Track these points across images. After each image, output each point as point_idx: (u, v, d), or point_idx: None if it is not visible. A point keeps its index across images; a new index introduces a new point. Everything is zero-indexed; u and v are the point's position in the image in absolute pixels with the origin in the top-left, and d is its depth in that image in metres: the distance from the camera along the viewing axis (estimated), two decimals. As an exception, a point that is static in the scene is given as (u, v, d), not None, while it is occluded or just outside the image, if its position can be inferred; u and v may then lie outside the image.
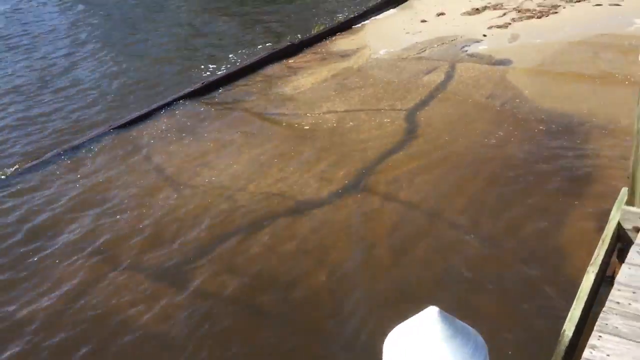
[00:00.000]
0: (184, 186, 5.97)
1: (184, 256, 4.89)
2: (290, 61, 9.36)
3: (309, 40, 10.16)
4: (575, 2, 10.49)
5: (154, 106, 7.85)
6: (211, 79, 8.66)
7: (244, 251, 4.87)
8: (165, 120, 7.57)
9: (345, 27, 10.80)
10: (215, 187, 5.89)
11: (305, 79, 8.58)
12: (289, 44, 9.88)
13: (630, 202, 3.79)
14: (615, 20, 9.28)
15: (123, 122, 7.45)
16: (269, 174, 6.03)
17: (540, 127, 6.36)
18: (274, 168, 6.13)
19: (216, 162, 6.39)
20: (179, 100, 8.01)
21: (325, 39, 10.28)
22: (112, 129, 7.28)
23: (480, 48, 8.96)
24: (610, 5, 10.08)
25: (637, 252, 3.38)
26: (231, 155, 6.52)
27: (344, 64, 8.98)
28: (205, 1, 14.55)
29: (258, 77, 8.82)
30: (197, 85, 8.38)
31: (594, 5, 10.18)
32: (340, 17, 11.38)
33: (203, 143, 6.86)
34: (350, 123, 7.00)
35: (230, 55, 9.84)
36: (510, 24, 9.81)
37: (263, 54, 9.58)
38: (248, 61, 9.26)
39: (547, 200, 5.03)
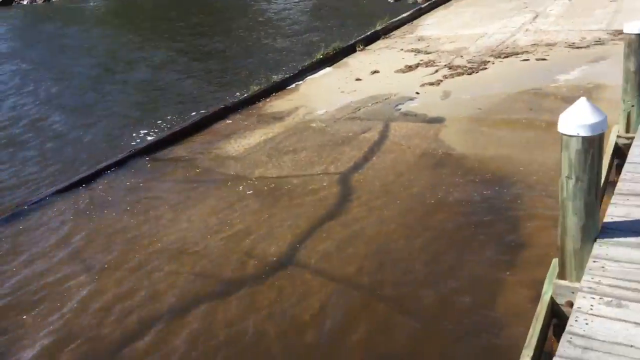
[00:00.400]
0: (103, 268, 5.52)
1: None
2: (222, 125, 9.12)
3: (243, 102, 9.99)
4: (503, 58, 10.75)
5: (73, 180, 7.45)
6: (137, 147, 8.34)
7: (159, 349, 4.43)
8: (87, 193, 7.15)
9: (281, 86, 10.71)
10: (134, 267, 5.47)
11: (238, 143, 8.34)
12: (222, 106, 9.67)
13: (561, 275, 3.61)
14: (542, 75, 9.50)
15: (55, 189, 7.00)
16: (195, 253, 5.66)
17: (475, 187, 6.26)
18: (200, 245, 5.76)
19: (134, 238, 5.98)
20: (108, 169, 7.65)
21: (261, 99, 10.14)
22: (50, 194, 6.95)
23: (414, 106, 8.97)
24: (537, 60, 10.36)
25: (572, 329, 3.17)
26: (150, 233, 6.12)
27: (278, 127, 8.81)
28: (157, 58, 14.35)
29: (185, 144, 8.52)
30: (123, 155, 8.02)
31: (521, 61, 10.44)
32: (277, 77, 11.31)
33: (127, 214, 6.45)
34: (283, 189, 6.75)
35: (160, 121, 9.56)
36: (442, 80, 9.92)
37: (195, 117, 9.34)
38: (178, 127, 8.99)
39: (482, 270, 4.84)
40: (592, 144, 3.29)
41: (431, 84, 9.83)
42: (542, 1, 15.03)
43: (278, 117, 9.24)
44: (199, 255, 5.57)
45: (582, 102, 3.33)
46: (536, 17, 13.48)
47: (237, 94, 10.50)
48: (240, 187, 6.92)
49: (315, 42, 14.31)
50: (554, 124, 7.90)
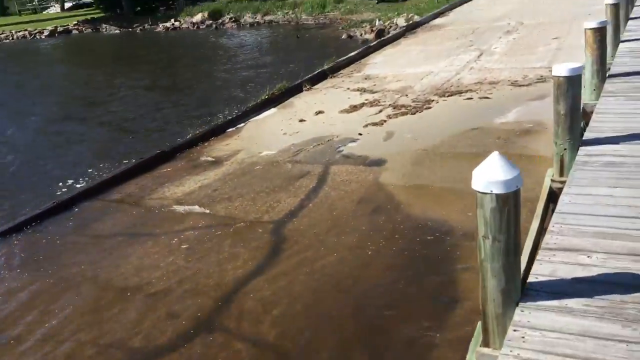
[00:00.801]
0: None
1: None
2: (157, 172, 8.71)
3: (182, 146, 9.62)
4: (447, 96, 10.70)
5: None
6: (59, 200, 7.87)
7: None
8: (26, 237, 6.63)
9: (223, 129, 10.40)
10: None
11: (171, 192, 7.94)
12: (158, 151, 9.28)
13: (485, 342, 3.32)
14: (485, 114, 9.44)
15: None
16: (108, 319, 5.19)
17: (413, 236, 5.99)
18: (113, 309, 5.30)
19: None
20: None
21: (200, 143, 9.79)
22: None
23: (356, 148, 8.75)
24: (480, 98, 10.34)
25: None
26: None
27: (216, 172, 8.45)
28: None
29: (115, 194, 8.08)
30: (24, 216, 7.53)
31: (465, 99, 10.40)
32: (220, 119, 11.02)
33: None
34: (211, 242, 6.36)
35: (91, 169, 9.12)
36: (385, 121, 9.77)
37: (127, 165, 8.92)
38: (105, 176, 8.56)
39: (412, 331, 4.52)
40: (507, 201, 3.05)
41: (375, 124, 9.66)
42: (488, 39, 15.24)
43: (216, 162, 8.89)
44: (112, 322, 5.11)
45: (495, 157, 3.10)
46: (481, 55, 13.60)
47: (179, 139, 10.11)
48: (168, 240, 6.51)
49: (267, 80, 14.14)
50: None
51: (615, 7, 9.66)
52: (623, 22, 11.53)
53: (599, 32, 7.46)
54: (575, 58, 11.28)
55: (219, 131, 10.22)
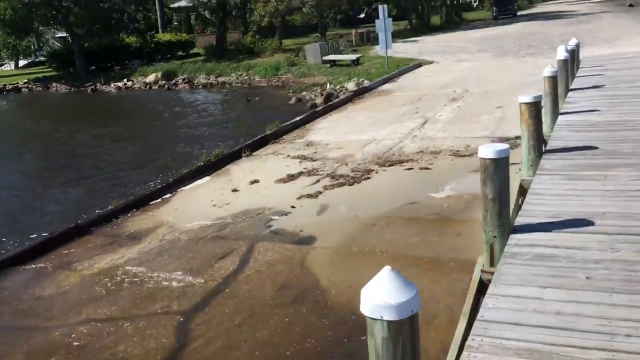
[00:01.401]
0: None
1: None
2: (65, 249, 7.91)
3: (100, 219, 8.86)
4: (388, 166, 10.32)
5: None
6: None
7: None
8: None
9: (149, 199, 9.70)
10: None
11: (77, 274, 7.14)
12: (73, 225, 8.50)
13: None
14: (424, 186, 9.05)
15: None
16: None
17: (335, 331, 5.35)
18: None
19: None
20: None
21: (121, 215, 9.05)
22: None
23: (287, 223, 8.17)
24: (420, 169, 9.99)
25: None
26: None
27: (131, 250, 7.71)
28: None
29: (15, 275, 7.23)
30: None
31: (405, 170, 10.04)
32: (147, 188, 10.34)
33: None
34: (109, 339, 5.57)
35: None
36: (321, 192, 9.26)
37: (38, 239, 8.10)
38: (12, 251, 7.70)
39: None
40: (401, 329, 2.48)
41: (310, 196, 9.13)
42: (433, 106, 15.17)
43: (135, 238, 8.15)
44: None
45: (386, 273, 2.54)
46: (425, 122, 13.43)
47: (97, 210, 9.37)
48: (60, 333, 5.69)
49: (208, 143, 13.64)
50: (429, 244, 7.33)
51: (553, 79, 9.59)
52: (564, 93, 11.57)
53: (534, 107, 7.23)
54: (517, 128, 11.15)
55: (143, 202, 9.51)
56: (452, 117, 13.69)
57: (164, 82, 32.04)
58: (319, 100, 19.64)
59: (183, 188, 10.27)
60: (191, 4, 54.80)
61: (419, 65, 24.31)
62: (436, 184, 9.10)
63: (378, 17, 25.02)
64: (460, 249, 6.64)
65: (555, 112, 9.56)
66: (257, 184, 10.13)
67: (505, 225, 4.95)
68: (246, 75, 30.74)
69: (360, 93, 18.41)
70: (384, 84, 20.34)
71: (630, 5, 46.84)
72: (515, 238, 4.90)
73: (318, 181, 9.88)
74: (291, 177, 10.24)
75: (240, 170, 11.18)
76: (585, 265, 4.27)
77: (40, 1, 36.70)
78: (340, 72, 26.04)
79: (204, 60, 38.28)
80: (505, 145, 4.90)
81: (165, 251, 7.57)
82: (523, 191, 6.93)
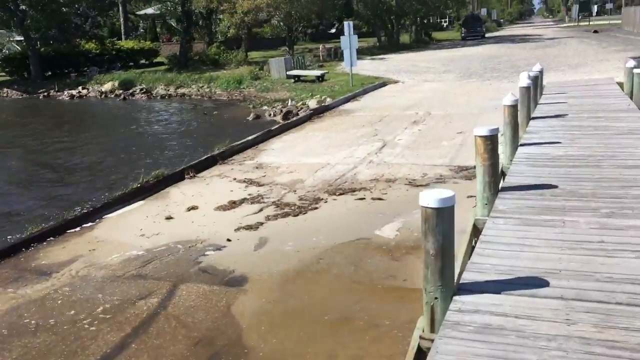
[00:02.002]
0: None
1: None
2: (-41, 286, 6.93)
3: (10, 248, 7.89)
4: (338, 195, 9.60)
5: None
6: None
7: None
8: None
9: (69, 226, 8.76)
10: None
11: (-34, 316, 6.17)
12: (-26, 256, 7.52)
13: None
14: (374, 219, 8.36)
15: None
16: None
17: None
18: None
19: None
20: None
21: (33, 245, 8.09)
22: None
23: (218, 259, 7.35)
24: (372, 199, 9.30)
25: None
26: None
27: (37, 288, 6.77)
28: None
29: None
30: None
31: (356, 199, 9.33)
32: (76, 210, 9.39)
33: None
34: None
35: None
36: (263, 223, 8.47)
37: None
38: None
39: None
40: None
41: (249, 227, 8.33)
42: (393, 129, 14.58)
43: (44, 273, 7.21)
44: None
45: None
46: (384, 146, 12.80)
47: (9, 237, 8.39)
48: None
49: (153, 160, 12.75)
50: (374, 291, 6.60)
51: (514, 108, 9.05)
52: (525, 121, 11.08)
53: (490, 141, 6.62)
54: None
55: (63, 229, 8.56)
56: (411, 141, 13.10)
57: (121, 91, 30.94)
58: (277, 117, 18.92)
59: (110, 214, 9.34)
60: (158, 12, 53.82)
61: (384, 84, 23.83)
62: (388, 217, 8.41)
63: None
64: (405, 302, 5.92)
65: (515, 143, 9.02)
66: (194, 211, 9.29)
67: (449, 285, 4.24)
68: (207, 87, 29.88)
69: (320, 112, 17.74)
70: (346, 102, 19.73)
71: (595, 32, 47.64)
72: (459, 301, 4.19)
73: (261, 210, 9.09)
74: (233, 204, 9.43)
75: (180, 194, 10.32)
76: (536, 343, 3.59)
77: (-6, 3, 35.30)
78: (304, 88, 25.40)
79: (167, 69, 37.33)
80: (450, 193, 4.21)
81: (74, 291, 6.65)
82: (477, 232, 6.30)
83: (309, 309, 5.95)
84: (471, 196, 8.16)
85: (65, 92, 32.24)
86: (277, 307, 6.06)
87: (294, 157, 12.37)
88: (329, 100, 21.04)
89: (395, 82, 24.51)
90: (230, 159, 12.66)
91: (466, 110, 16.16)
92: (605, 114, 11.28)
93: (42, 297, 6.53)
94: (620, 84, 16.32)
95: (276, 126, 15.33)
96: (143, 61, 46.25)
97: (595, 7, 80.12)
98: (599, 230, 5.32)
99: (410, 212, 8.55)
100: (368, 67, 31.61)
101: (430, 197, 4.14)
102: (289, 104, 22.49)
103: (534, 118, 11.46)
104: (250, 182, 10.71)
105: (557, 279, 4.41)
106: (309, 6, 38.75)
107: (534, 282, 4.38)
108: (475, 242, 5.69)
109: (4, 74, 40.07)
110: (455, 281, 4.43)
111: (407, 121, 15.40)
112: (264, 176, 11.07)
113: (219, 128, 18.72)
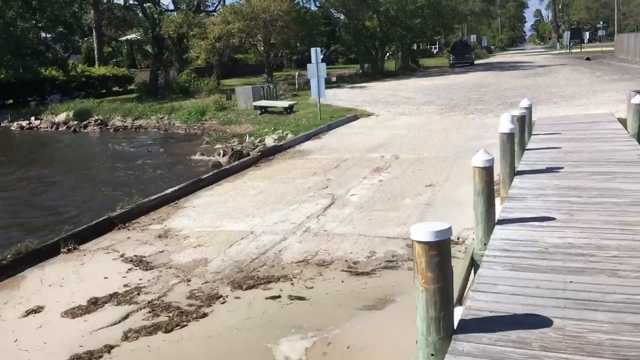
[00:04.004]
0: None
1: None
2: None
3: None
4: (246, 289, 6.87)
5: None
6: None
7: None
8: None
9: None
10: None
11: None
12: None
13: None
14: (285, 341, 5.59)
15: None
16: None
17: None
18: None
19: None
20: None
21: None
22: None
23: None
24: (290, 298, 6.56)
25: None
26: None
27: None
28: None
29: None
30: None
31: (268, 298, 6.59)
32: None
33: None
34: None
35: None
36: (114, 347, 5.68)
37: None
38: None
39: None
40: None
41: (90, 355, 5.54)
42: (349, 178, 11.91)
43: None
44: None
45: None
46: (331, 204, 10.08)
47: None
48: None
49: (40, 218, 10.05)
50: None
51: (487, 171, 6.39)
52: (507, 178, 8.49)
53: (437, 249, 3.93)
54: (448, 220, 7.99)
55: None
56: (367, 198, 10.39)
57: (75, 122, 28.25)
58: (224, 158, 16.21)
59: None
60: (139, 38, 51.75)
61: (356, 117, 21.28)
62: (304, 331, 5.67)
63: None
64: None
65: (490, 220, 6.35)
66: (34, 315, 6.50)
67: None
68: (167, 119, 27.26)
69: (270, 153, 15.05)
70: (305, 141, 17.08)
71: (588, 59, 45.62)
72: None
73: (127, 317, 6.32)
74: (93, 305, 6.66)
75: (37, 281, 7.54)
76: None
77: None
78: (269, 121, 22.85)
79: (136, 98, 34.93)
80: None
81: None
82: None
83: None
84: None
85: (15, 123, 29.54)
86: None
87: (213, 221, 9.63)
88: (289, 137, 18.41)
89: (369, 114, 21.96)
90: (135, 221, 9.89)
91: (440, 154, 13.53)
92: (611, 168, 8.67)
93: None
94: (622, 121, 13.86)
95: (208, 174, 12.58)
96: (116, 88, 43.87)
97: (587, 34, 78.66)
98: None
99: (341, 325, 5.82)
100: (345, 96, 29.17)
101: None
102: (247, 140, 19.84)
103: (519, 173, 8.83)
104: (138, 261, 7.95)
105: None
106: (286, 32, 36.52)
107: None
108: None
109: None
110: None
111: (369, 167, 12.73)
112: (162, 252, 8.31)
113: (156, 170, 16.02)
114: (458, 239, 7.94)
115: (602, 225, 6.06)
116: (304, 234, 8.66)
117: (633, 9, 79.78)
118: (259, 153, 14.78)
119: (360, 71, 44.99)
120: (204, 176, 12.34)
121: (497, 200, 8.87)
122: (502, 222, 6.44)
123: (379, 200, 10.14)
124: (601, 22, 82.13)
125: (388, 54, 57.78)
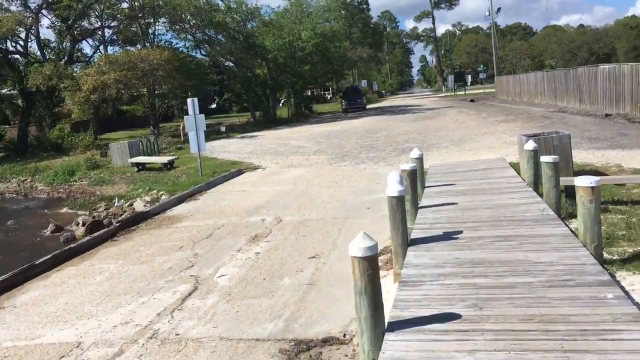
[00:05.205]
0: None
1: None
2: None
3: None
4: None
5: None
6: None
7: None
8: None
9: None
10: None
11: None
12: None
13: None
14: None
15: None
16: None
17: None
18: None
19: None
20: None
21: None
22: None
23: None
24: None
25: None
26: None
27: None
28: None
29: None
30: None
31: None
32: None
33: None
34: None
35: None
36: None
37: None
38: None
39: None
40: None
41: None
42: (221, 251, 10.00)
43: None
44: None
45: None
46: (192, 292, 8.11)
47: None
48: None
49: None
50: None
51: (368, 261, 4.77)
52: (399, 249, 7.02)
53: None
54: (331, 312, 6.35)
55: None
56: (238, 278, 8.52)
57: None
58: (81, 230, 13.73)
59: None
60: (8, 92, 47.35)
61: (240, 172, 19.48)
62: None
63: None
64: None
65: (378, 328, 4.71)
66: None
67: None
68: (30, 181, 24.05)
69: (132, 223, 12.81)
70: (179, 203, 14.98)
71: (472, 101, 47.24)
72: None
73: None
74: None
75: None
76: None
77: None
78: (146, 179, 20.54)
79: (4, 157, 31.19)
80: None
81: None
82: None
83: None
84: None
85: None
86: None
87: (33, 329, 7.31)
88: (163, 198, 16.27)
89: (255, 168, 20.26)
90: None
91: (328, 213, 12.00)
92: (516, 229, 7.45)
93: None
94: (514, 165, 13.23)
95: (45, 257, 10.14)
96: (-17, 146, 39.39)
97: (469, 77, 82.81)
98: None
99: None
100: (233, 147, 27.42)
101: None
102: (115, 204, 17.41)
103: (414, 242, 7.36)
104: None
105: None
106: (170, 81, 34.43)
107: None
108: None
109: None
110: None
111: (246, 236, 10.90)
112: (-60, 391, 5.91)
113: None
114: (344, 335, 6.27)
115: (520, 325, 4.60)
116: (149, 341, 6.60)
117: (508, 53, 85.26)
118: (118, 224, 12.49)
119: (252, 119, 43.57)
120: (39, 261, 9.90)
121: (390, 279, 7.35)
122: (395, 326, 4.83)
123: (252, 282, 8.30)
124: (481, 66, 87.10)
125: (282, 100, 57.11)
